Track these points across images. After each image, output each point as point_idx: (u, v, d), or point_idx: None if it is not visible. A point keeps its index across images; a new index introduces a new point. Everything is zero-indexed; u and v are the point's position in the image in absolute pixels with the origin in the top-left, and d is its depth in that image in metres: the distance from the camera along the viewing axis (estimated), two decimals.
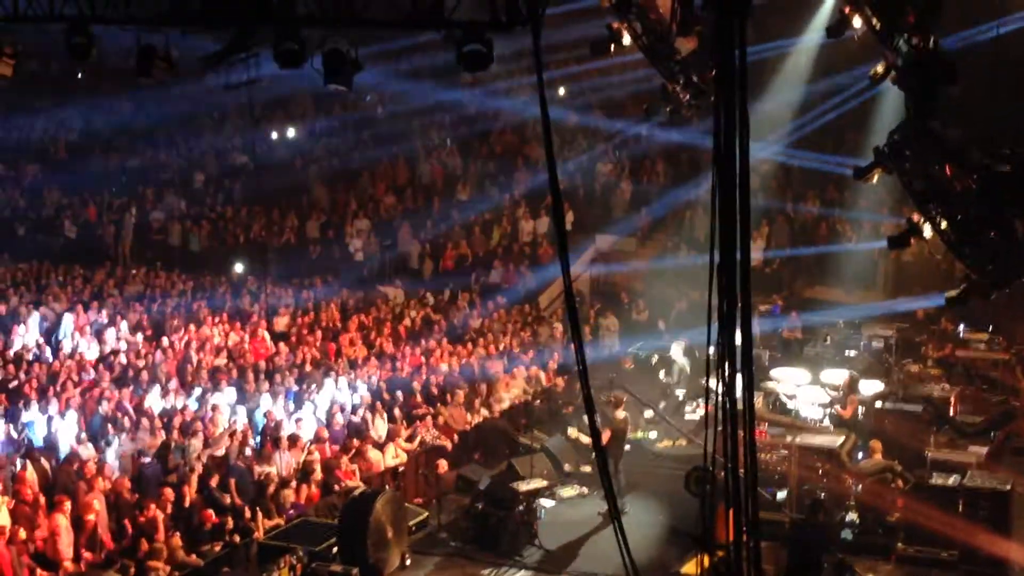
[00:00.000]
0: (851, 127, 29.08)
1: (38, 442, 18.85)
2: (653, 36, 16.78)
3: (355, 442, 20.11)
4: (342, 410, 21.36)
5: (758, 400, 19.26)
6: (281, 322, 26.95)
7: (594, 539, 17.62)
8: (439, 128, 36.81)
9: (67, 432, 19.11)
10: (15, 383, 21.40)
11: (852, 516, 17.10)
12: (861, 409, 19.95)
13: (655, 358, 24.99)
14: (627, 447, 19.48)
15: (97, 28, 14.32)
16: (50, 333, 25.09)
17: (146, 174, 36.93)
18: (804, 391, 20.34)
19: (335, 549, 15.93)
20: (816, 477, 17.61)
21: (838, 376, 20.65)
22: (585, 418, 18.99)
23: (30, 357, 23.03)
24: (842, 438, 18.16)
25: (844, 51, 22.78)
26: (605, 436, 18.64)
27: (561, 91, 35.02)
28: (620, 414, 19.14)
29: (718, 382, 6.71)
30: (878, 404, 20.51)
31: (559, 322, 27.69)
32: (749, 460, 6.60)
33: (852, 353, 24.25)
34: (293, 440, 19.44)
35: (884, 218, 28.05)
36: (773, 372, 21.67)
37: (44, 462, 17.85)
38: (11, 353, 23.05)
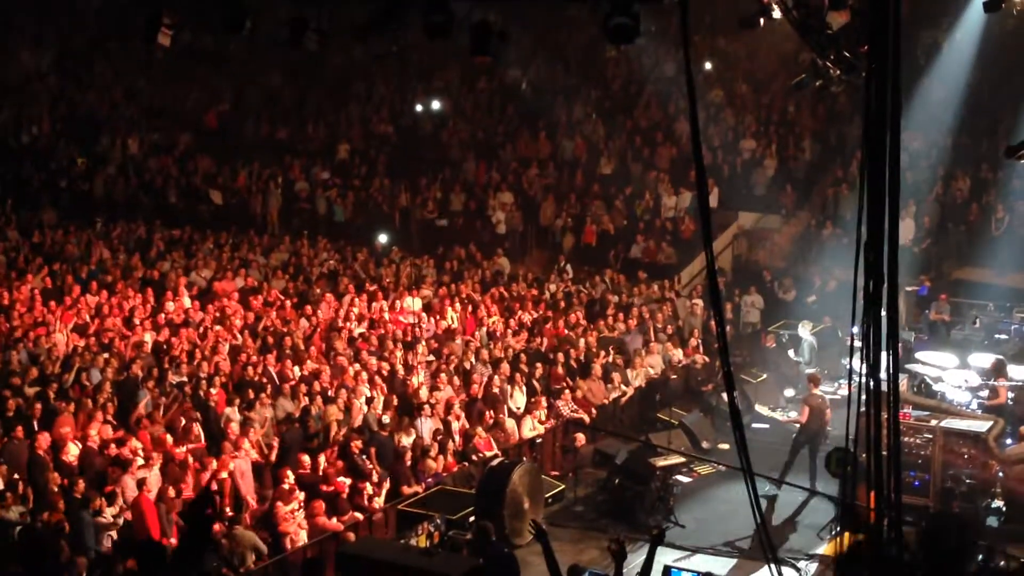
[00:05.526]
0: (1007, 106, 28.32)
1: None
2: (804, 10, 16.46)
3: (492, 413, 20.29)
4: (480, 380, 21.53)
5: (902, 382, 18.86)
6: (422, 293, 27.22)
7: (730, 516, 17.43)
8: (583, 102, 36.63)
9: (213, 396, 19.61)
10: (166, 347, 22.05)
11: (998, 503, 16.65)
12: (1010, 394, 19.42)
13: (785, 337, 24.76)
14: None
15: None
16: (199, 298, 25.77)
17: (294, 144, 37.58)
18: (951, 374, 19.87)
19: (472, 518, 16.08)
20: (961, 462, 17.21)
21: (987, 360, 20.14)
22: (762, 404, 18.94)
23: (180, 322, 23.65)
24: (990, 423, 17.70)
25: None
26: (804, 414, 18.73)
27: (707, 65, 34.64)
28: (817, 392, 19.09)
29: (862, 362, 6.57)
30: None
31: (700, 298, 27.45)
32: (892, 441, 6.46)
33: (1002, 337, 23.59)
34: (430, 409, 19.68)
35: None
36: (919, 354, 21.22)
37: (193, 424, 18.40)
38: (162, 318, 23.69)
